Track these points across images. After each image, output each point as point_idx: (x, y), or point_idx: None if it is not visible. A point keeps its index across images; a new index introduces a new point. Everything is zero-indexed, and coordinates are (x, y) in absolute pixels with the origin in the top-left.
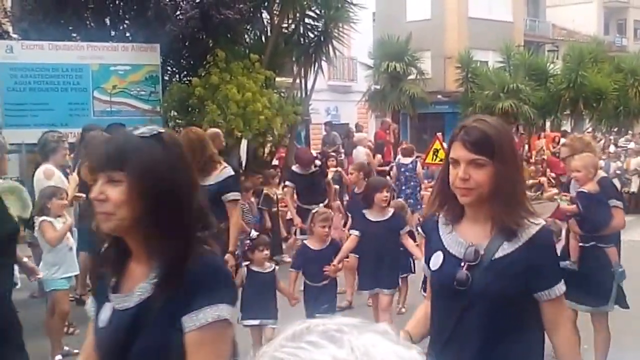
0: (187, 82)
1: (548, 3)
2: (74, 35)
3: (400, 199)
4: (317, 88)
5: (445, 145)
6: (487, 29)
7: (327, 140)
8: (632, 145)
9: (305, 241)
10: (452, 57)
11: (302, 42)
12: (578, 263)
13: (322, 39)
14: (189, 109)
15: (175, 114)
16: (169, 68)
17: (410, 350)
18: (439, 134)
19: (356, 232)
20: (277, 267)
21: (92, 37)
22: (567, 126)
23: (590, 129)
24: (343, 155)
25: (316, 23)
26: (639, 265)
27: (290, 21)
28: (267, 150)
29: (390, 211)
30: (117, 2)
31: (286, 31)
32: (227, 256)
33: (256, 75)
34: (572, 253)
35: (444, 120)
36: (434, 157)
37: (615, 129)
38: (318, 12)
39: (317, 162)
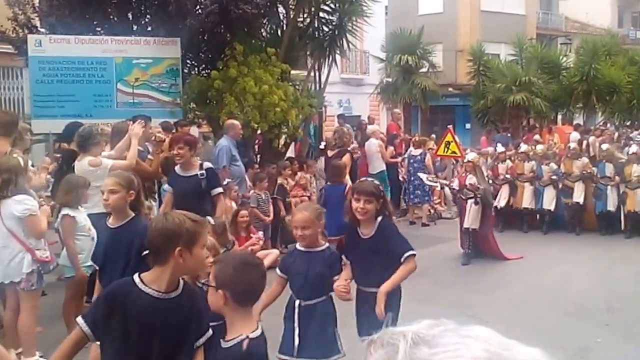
0: (206, 75)
1: None
2: (99, 29)
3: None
4: (330, 81)
5: (456, 137)
6: (500, 22)
7: (338, 132)
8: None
9: None
10: (464, 50)
11: (316, 36)
12: None
13: (336, 32)
14: (208, 101)
15: (195, 105)
16: (188, 61)
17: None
18: (450, 127)
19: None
20: None
21: (116, 31)
22: (579, 119)
23: (602, 122)
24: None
25: (331, 17)
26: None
27: (305, 15)
28: (282, 141)
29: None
30: None
31: (301, 25)
32: None
33: (272, 69)
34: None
35: (455, 113)
36: (446, 149)
37: (629, 123)
38: (333, 6)
39: (208, 165)
